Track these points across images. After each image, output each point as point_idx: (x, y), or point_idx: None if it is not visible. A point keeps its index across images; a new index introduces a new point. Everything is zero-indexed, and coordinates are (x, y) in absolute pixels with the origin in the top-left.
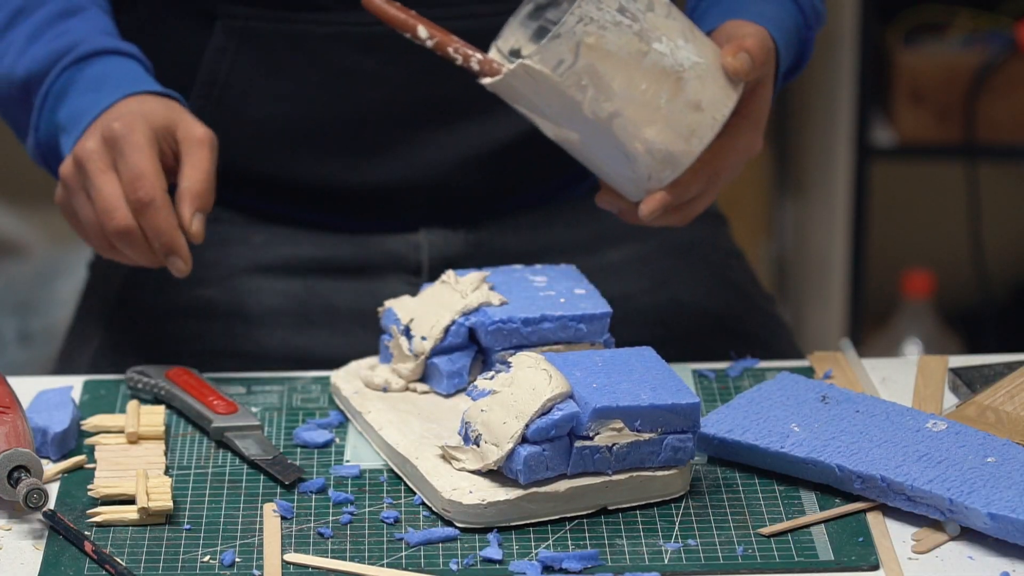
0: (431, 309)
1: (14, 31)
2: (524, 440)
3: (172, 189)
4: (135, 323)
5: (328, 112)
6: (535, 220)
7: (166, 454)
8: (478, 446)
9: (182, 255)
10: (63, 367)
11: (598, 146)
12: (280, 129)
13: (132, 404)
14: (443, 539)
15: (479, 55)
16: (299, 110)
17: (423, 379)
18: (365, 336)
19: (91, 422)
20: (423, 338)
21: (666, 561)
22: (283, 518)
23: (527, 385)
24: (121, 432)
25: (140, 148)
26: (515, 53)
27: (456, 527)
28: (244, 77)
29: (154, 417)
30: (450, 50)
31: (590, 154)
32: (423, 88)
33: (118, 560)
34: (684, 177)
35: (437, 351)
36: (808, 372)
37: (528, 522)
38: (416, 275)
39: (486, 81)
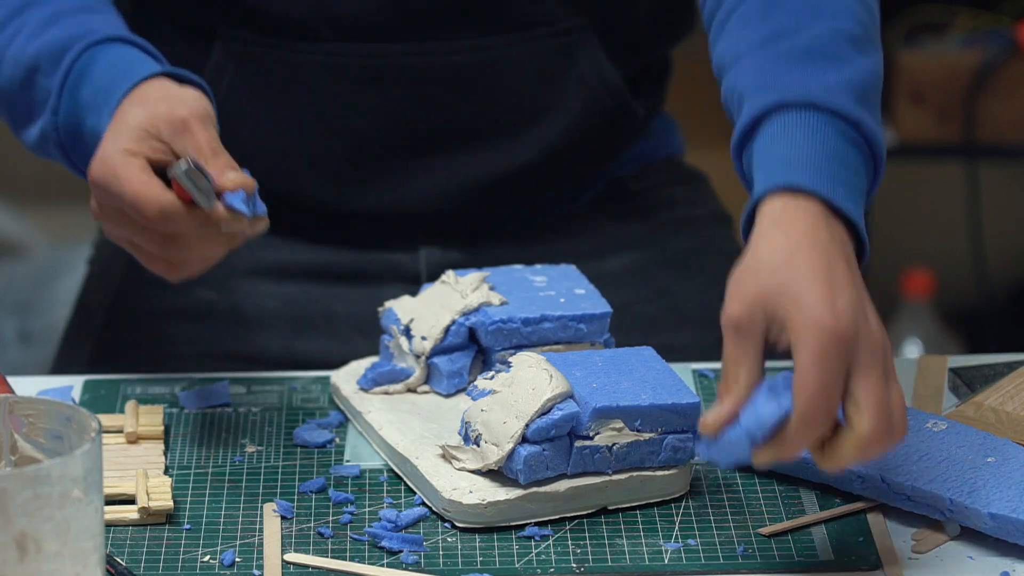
0: (431, 309)
1: (27, 14)
2: (524, 440)
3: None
4: (133, 324)
5: (324, 139)
6: (533, 233)
7: (165, 454)
8: (478, 446)
9: (235, 230)
10: (60, 367)
11: None
12: (275, 152)
13: (131, 404)
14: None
15: None
16: (294, 136)
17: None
18: (363, 341)
19: None
20: (423, 338)
21: (666, 561)
22: (283, 518)
23: (527, 385)
24: (120, 432)
25: (126, 179)
26: None
27: (456, 527)
28: (241, 99)
29: (153, 417)
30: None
31: None
32: (420, 119)
33: (118, 560)
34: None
35: (437, 351)
36: None
37: (528, 522)
38: (415, 284)
39: None
